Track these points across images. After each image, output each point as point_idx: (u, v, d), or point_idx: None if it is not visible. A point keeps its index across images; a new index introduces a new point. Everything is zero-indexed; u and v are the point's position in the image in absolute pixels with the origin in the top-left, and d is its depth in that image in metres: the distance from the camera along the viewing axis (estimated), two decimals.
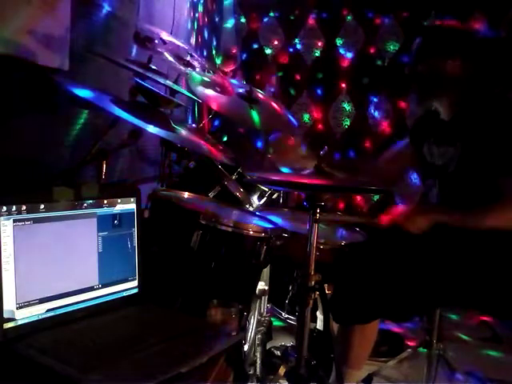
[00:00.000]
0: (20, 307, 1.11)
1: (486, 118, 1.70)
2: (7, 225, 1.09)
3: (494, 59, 1.83)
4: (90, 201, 1.27)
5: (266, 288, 1.84)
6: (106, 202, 1.31)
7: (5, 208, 1.09)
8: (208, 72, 2.26)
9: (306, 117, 3.78)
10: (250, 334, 1.75)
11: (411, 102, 2.00)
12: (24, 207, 1.12)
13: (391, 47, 3.65)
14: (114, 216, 1.33)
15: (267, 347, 1.83)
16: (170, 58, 2.06)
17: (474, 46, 1.78)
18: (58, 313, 1.19)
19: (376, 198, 3.65)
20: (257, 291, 1.78)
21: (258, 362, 1.69)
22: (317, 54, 3.76)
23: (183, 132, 1.74)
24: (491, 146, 1.65)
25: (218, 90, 2.00)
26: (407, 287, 1.66)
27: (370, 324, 1.75)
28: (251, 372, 1.67)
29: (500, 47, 1.88)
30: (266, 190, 2.02)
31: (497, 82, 1.82)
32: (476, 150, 1.68)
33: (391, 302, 1.67)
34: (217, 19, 3.72)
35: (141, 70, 1.89)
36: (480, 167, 1.68)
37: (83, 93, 1.53)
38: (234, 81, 2.44)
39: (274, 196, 2.10)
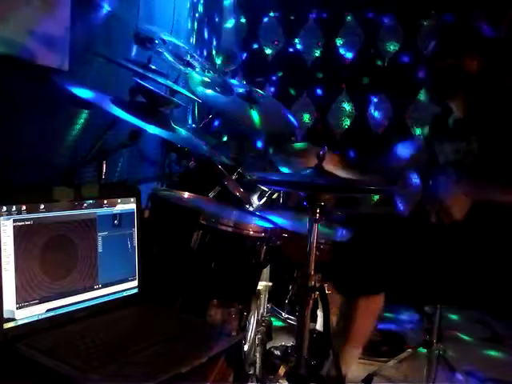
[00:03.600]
0: (20, 307, 1.11)
1: (505, 112, 1.71)
2: (7, 225, 1.09)
3: (506, 56, 1.84)
4: (90, 201, 1.27)
5: (266, 288, 1.84)
6: (106, 201, 1.31)
7: (5, 208, 1.09)
8: (208, 72, 2.26)
9: (306, 117, 3.78)
10: (250, 334, 1.74)
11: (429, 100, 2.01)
12: (24, 207, 1.12)
13: (391, 47, 3.64)
14: (114, 216, 1.33)
15: (267, 347, 1.83)
16: (170, 58, 2.06)
17: (490, 44, 1.79)
18: (58, 313, 1.19)
19: (376, 197, 3.64)
20: (260, 291, 1.78)
21: (258, 362, 1.69)
22: (317, 54, 3.75)
23: (183, 132, 1.74)
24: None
25: (218, 90, 2.00)
26: (411, 264, 1.65)
27: (375, 297, 1.74)
28: (251, 372, 1.67)
29: (502, 47, 1.89)
30: (266, 190, 2.02)
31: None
32: (496, 144, 1.69)
33: (396, 274, 1.67)
34: (217, 19, 3.72)
35: (141, 70, 1.89)
36: (500, 161, 1.68)
37: (83, 93, 1.53)
38: (233, 81, 2.44)
39: (274, 196, 2.10)
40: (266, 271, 1.86)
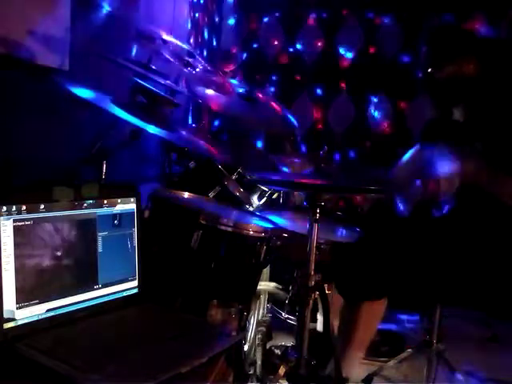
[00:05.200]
0: (20, 307, 1.11)
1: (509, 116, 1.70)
2: (7, 225, 1.09)
3: (504, 57, 1.82)
4: (90, 201, 1.27)
5: (266, 288, 1.84)
6: (106, 201, 1.31)
7: (5, 208, 1.09)
8: (208, 72, 2.26)
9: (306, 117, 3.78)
10: (250, 334, 1.75)
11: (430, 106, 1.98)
12: (24, 207, 1.12)
13: (391, 47, 3.64)
14: (114, 216, 1.33)
15: (267, 347, 1.83)
16: (170, 58, 2.06)
17: (485, 45, 1.78)
18: (58, 313, 1.19)
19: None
20: (260, 291, 1.78)
21: (258, 362, 1.69)
22: (317, 54, 3.75)
23: (183, 132, 1.74)
24: None
25: (218, 89, 2.00)
26: (413, 270, 1.65)
27: (378, 302, 1.74)
28: (251, 372, 1.67)
29: (503, 47, 1.88)
30: (266, 189, 2.02)
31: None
32: (502, 149, 1.68)
33: (399, 280, 1.67)
34: (217, 19, 3.72)
35: (141, 70, 1.89)
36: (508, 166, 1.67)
37: (83, 93, 1.53)
38: (233, 81, 2.44)
39: (274, 196, 2.10)
40: (266, 271, 1.86)
